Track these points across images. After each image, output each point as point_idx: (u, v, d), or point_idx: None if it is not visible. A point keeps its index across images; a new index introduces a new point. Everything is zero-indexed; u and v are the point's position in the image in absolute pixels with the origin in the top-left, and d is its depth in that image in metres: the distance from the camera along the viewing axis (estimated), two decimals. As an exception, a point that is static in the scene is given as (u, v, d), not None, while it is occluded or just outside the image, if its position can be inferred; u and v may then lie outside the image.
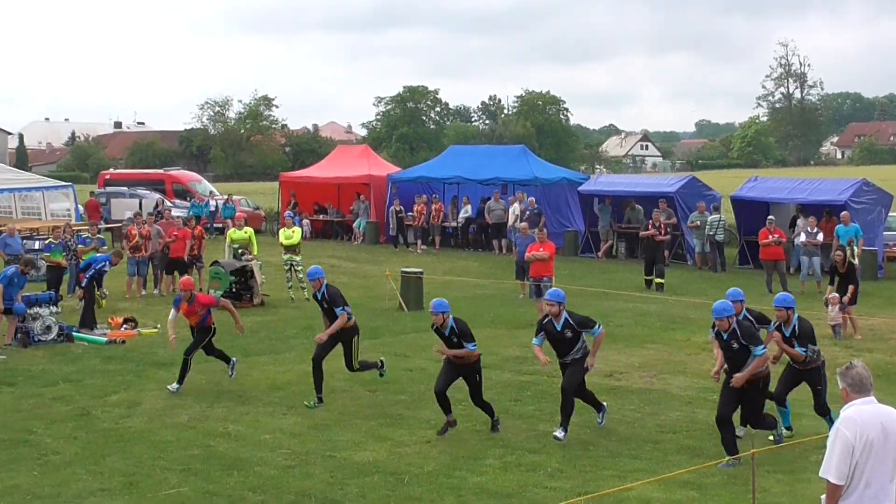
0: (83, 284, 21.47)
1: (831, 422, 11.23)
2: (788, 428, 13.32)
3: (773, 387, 12.99)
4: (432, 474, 11.75)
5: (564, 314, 13.22)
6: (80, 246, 24.91)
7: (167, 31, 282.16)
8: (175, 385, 15.77)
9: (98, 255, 22.68)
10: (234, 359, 16.71)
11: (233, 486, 11.36)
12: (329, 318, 15.33)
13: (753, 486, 10.11)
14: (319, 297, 15.34)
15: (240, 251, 25.20)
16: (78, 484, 11.41)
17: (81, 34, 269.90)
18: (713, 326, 12.46)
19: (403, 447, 12.82)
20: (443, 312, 13.41)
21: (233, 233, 26.08)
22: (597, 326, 13.32)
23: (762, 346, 12.16)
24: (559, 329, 13.24)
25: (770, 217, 27.90)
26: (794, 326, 12.92)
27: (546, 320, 13.43)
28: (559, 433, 13.00)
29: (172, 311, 16.09)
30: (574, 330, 13.22)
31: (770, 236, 26.24)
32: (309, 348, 19.09)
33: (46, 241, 24.76)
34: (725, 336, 12.19)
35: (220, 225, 40.54)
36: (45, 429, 13.69)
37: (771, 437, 12.87)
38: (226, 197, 44.77)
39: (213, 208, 42.90)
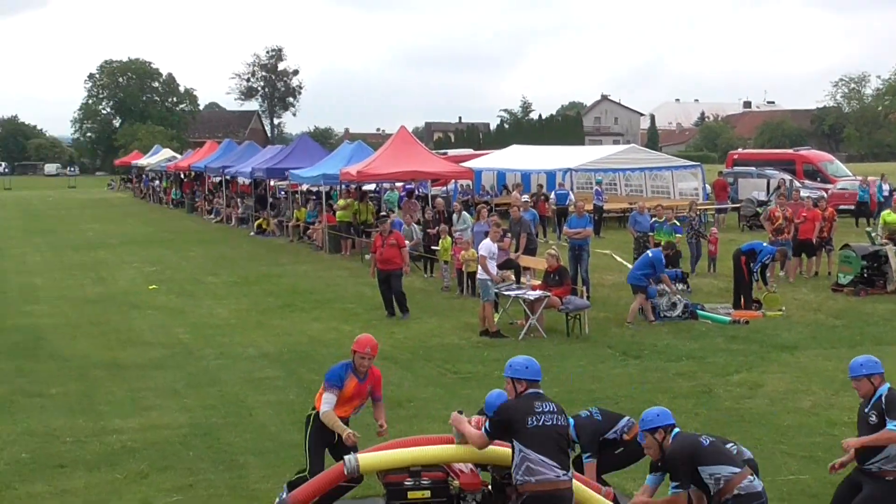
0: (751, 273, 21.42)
1: None
2: None
3: None
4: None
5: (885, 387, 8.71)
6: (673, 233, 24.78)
7: (793, 6, 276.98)
8: None
9: (765, 245, 22.22)
10: None
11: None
12: None
13: None
14: None
15: (874, 234, 24.02)
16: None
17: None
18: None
19: None
20: None
21: (887, 215, 24.84)
22: None
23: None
24: (866, 410, 8.79)
25: None
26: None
27: None
28: None
29: (329, 395, 9.55)
30: (880, 414, 8.63)
31: None
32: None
33: (651, 221, 25.26)
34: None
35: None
36: (667, 403, 13.81)
37: None
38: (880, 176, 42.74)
39: (887, 192, 40.50)
